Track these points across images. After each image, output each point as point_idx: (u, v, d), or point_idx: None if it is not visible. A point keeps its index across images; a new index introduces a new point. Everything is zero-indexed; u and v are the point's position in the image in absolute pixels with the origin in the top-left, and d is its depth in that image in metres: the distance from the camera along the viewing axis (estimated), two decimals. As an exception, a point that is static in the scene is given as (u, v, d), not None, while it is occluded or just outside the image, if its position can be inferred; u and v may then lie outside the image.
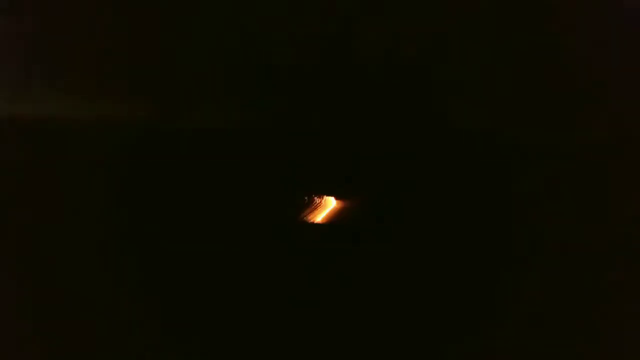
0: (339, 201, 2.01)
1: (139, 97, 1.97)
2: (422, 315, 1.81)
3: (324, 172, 1.99)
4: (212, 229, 1.93)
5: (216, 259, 1.91)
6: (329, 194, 2.01)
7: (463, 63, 1.90)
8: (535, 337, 1.80)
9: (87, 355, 1.84)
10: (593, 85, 1.85)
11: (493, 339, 1.80)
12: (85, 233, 1.93)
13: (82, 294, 1.90)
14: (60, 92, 1.97)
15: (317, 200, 2.00)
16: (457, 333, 1.84)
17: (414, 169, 1.93)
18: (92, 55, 1.95)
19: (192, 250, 1.91)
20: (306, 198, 2.01)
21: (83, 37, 1.95)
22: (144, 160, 1.96)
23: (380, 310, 1.84)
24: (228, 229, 1.93)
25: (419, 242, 1.88)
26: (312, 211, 1.99)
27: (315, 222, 1.98)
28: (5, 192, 1.93)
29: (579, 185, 1.85)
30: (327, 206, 1.99)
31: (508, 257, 1.87)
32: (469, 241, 1.89)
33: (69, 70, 1.95)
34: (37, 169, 1.96)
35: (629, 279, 1.81)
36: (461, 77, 1.90)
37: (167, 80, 1.95)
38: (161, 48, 1.95)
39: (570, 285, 1.84)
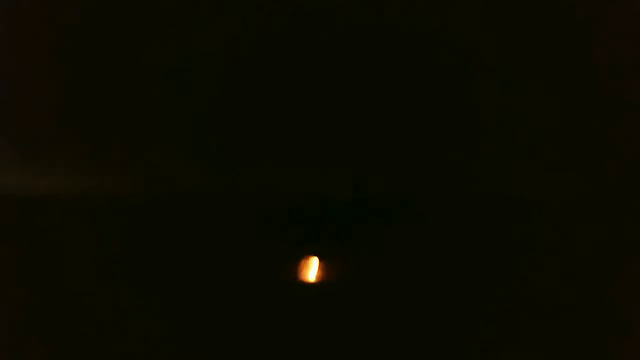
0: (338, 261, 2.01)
1: (122, 168, 1.96)
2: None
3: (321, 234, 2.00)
4: (202, 290, 1.94)
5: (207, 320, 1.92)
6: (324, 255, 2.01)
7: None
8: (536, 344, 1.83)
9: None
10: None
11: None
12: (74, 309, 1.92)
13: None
14: (44, 166, 1.96)
15: (311, 260, 2.01)
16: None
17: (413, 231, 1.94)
18: (70, 130, 1.94)
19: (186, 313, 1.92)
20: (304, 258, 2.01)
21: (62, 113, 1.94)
22: (138, 230, 1.96)
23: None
24: (218, 291, 1.93)
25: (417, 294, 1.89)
26: (306, 271, 2.00)
27: (309, 281, 1.98)
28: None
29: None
30: (321, 267, 1.99)
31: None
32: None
33: (51, 145, 1.94)
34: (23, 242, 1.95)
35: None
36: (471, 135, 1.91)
37: (152, 147, 1.94)
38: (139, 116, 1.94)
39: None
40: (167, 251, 1.91)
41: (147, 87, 1.90)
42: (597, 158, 1.85)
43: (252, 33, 1.86)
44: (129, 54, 1.89)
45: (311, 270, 1.93)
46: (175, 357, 1.84)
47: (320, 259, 1.93)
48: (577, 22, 1.78)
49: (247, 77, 1.90)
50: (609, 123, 1.81)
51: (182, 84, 1.90)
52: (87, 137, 1.92)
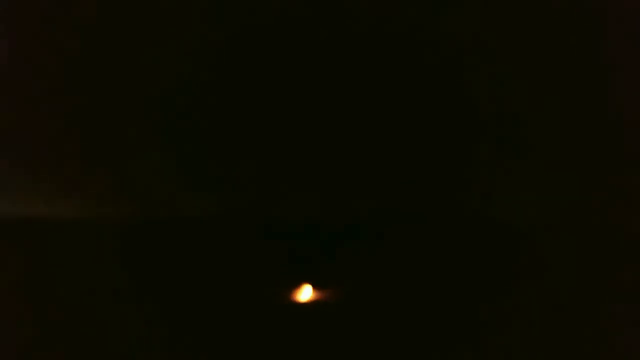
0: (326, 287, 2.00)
1: (120, 193, 1.99)
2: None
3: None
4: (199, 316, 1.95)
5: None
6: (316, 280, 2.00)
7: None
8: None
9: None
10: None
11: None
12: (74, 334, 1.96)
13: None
14: (43, 191, 2.00)
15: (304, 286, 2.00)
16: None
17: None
18: (71, 154, 1.97)
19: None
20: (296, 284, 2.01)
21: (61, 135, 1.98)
22: (136, 256, 1.98)
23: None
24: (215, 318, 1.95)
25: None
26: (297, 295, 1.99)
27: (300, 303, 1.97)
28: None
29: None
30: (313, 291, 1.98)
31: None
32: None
33: (50, 170, 1.98)
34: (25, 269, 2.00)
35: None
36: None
37: (147, 173, 1.96)
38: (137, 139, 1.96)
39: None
40: (164, 274, 1.93)
41: (147, 110, 1.92)
42: (588, 178, 1.78)
43: (248, 53, 1.87)
44: (129, 73, 1.91)
45: (306, 293, 1.93)
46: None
47: (315, 282, 1.92)
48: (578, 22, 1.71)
49: (243, 100, 1.90)
50: (605, 141, 1.74)
51: (181, 107, 1.91)
52: (86, 159, 1.95)
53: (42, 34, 1.92)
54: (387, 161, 1.87)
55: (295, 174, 1.91)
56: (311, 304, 1.94)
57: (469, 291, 1.84)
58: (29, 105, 1.94)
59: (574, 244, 1.81)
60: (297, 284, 1.94)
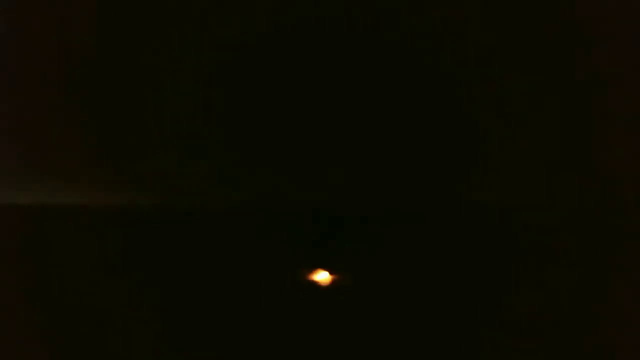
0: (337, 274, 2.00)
1: (129, 183, 1.99)
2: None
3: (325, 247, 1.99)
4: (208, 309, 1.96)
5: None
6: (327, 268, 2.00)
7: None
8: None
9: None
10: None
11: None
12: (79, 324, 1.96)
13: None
14: (50, 179, 2.00)
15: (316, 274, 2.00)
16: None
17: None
18: (79, 143, 1.97)
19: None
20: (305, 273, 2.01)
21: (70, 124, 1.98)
22: (149, 244, 1.98)
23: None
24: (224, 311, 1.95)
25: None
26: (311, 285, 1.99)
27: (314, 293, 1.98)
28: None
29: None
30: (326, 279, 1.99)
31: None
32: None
33: (58, 158, 1.98)
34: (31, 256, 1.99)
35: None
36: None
37: (157, 164, 1.96)
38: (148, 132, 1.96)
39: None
40: (172, 263, 1.93)
41: (154, 103, 1.92)
42: (589, 167, 1.79)
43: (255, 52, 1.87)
44: (136, 66, 1.91)
45: (316, 281, 1.93)
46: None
47: (325, 271, 1.93)
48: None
49: (254, 93, 1.90)
50: (601, 133, 1.75)
51: (188, 102, 1.91)
52: (90, 150, 1.95)
53: (44, 34, 1.93)
54: (388, 158, 1.88)
55: (297, 171, 1.91)
56: (315, 296, 1.94)
57: (468, 288, 1.84)
58: (32, 96, 1.95)
59: (574, 242, 1.82)
60: (299, 279, 1.94)
